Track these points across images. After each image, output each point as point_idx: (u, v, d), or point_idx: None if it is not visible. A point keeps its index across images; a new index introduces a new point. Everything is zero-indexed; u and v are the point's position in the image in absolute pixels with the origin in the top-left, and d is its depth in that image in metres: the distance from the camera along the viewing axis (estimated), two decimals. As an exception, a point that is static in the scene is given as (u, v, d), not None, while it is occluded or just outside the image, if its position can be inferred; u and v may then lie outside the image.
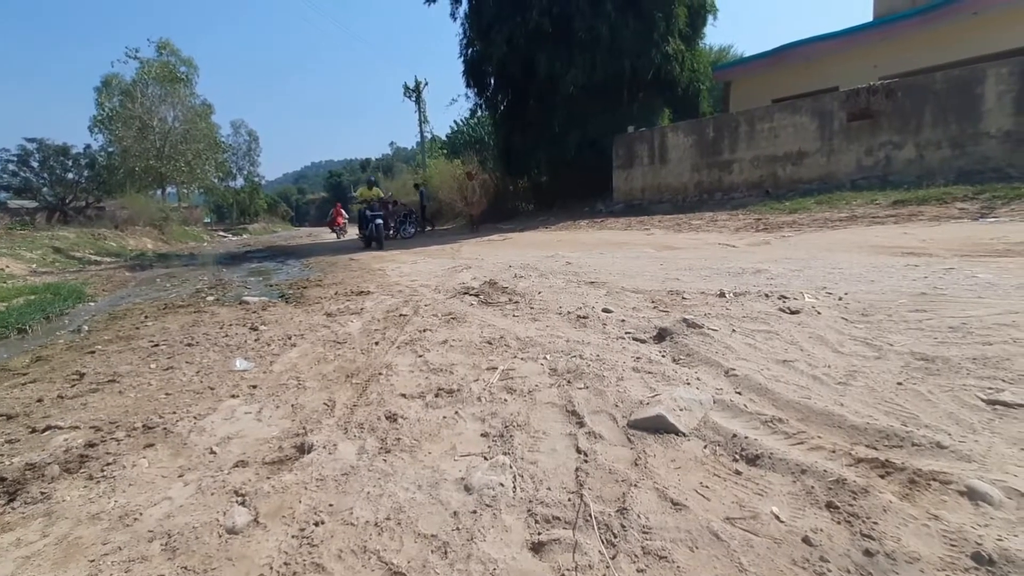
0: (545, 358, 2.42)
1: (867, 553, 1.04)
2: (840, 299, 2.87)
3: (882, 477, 1.28)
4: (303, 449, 1.73)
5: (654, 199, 13.34)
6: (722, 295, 3.23)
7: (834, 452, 1.40)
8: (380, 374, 2.41)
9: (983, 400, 1.57)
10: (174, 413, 2.14)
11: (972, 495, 1.17)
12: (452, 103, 42.14)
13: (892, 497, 1.19)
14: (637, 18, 14.25)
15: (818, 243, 5.56)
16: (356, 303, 4.32)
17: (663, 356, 2.28)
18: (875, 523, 1.11)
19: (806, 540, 1.09)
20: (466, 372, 2.36)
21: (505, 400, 2.00)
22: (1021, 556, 0.98)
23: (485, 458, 1.56)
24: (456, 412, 1.93)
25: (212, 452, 1.77)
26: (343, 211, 22.45)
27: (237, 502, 1.44)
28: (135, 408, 2.26)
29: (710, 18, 16.98)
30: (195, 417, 2.09)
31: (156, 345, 3.41)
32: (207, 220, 40.13)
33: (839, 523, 1.14)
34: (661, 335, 2.53)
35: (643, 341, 2.53)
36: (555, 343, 2.65)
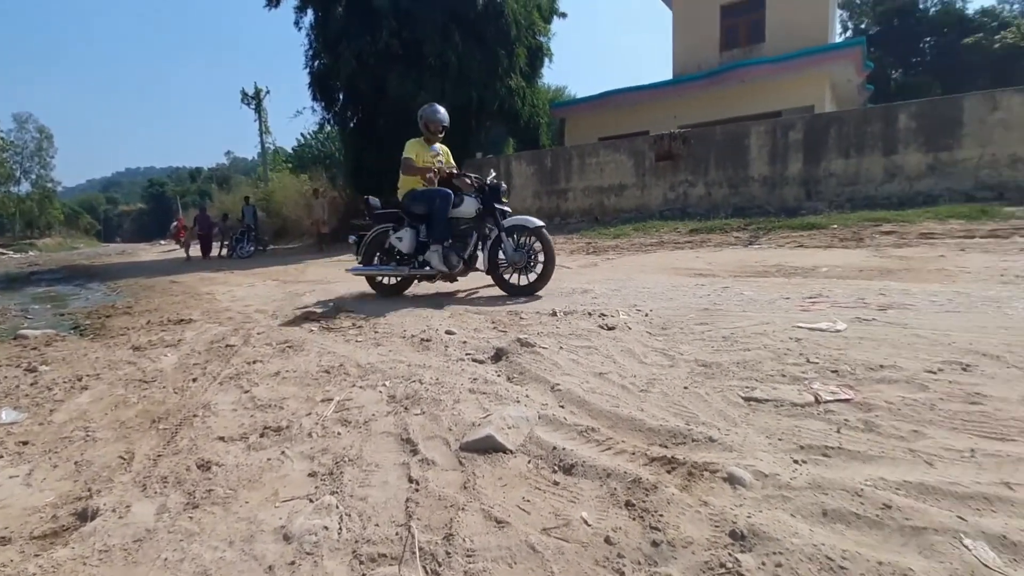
0: (385, 385, 2.34)
1: (654, 544, 1.17)
2: (646, 315, 3.26)
3: (669, 472, 1.46)
4: (85, 516, 1.43)
5: (501, 222, 13.90)
6: (554, 314, 3.47)
7: (634, 454, 1.56)
8: (195, 416, 2.11)
9: (742, 398, 1.89)
10: None
11: (731, 480, 1.39)
12: (297, 115, 39.34)
13: (675, 490, 1.36)
14: (483, 52, 14.89)
15: (634, 265, 6.29)
16: (173, 334, 3.75)
17: (499, 376, 2.36)
18: (661, 515, 1.26)
19: (607, 540, 1.20)
20: (298, 406, 2.18)
21: (339, 433, 1.88)
22: (764, 529, 1.18)
23: (311, 500, 1.45)
24: (283, 452, 1.76)
25: (-51, 535, 1.38)
26: (185, 224, 19.67)
27: (-21, 597, 1.13)
28: None
29: (547, 60, 18.43)
30: (-74, 492, 1.61)
31: None
32: (-25, 234, 31.93)
33: (634, 519, 1.27)
34: (498, 355, 2.61)
35: (481, 362, 2.59)
36: (397, 368, 2.59)
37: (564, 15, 18.55)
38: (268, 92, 28.40)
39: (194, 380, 2.63)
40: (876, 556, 1.08)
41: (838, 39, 19.78)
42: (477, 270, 4.70)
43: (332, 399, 2.23)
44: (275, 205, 22.80)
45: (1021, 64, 19.82)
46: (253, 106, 28.32)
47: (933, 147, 9.16)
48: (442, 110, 4.87)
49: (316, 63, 17.02)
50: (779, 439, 1.59)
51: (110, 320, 4.61)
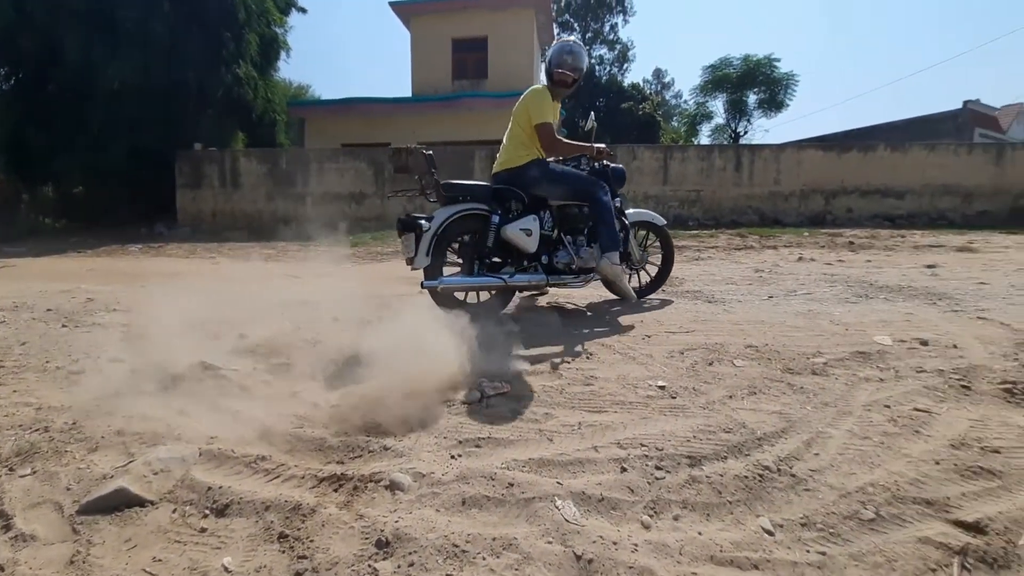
0: (-16, 441, 1.69)
1: (297, 575, 1.10)
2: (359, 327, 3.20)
3: (336, 491, 1.41)
4: None
5: (228, 224, 12.00)
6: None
7: (303, 478, 1.47)
8: None
9: (424, 402, 1.98)
10: None
11: (392, 487, 1.41)
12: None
13: (335, 509, 1.32)
14: (203, 31, 12.59)
15: (365, 275, 6.18)
16: None
17: (167, 409, 1.95)
18: (312, 541, 1.20)
19: (246, 584, 1.08)
20: None
21: None
22: (407, 531, 1.22)
23: None
24: None
25: None
26: None
27: None
28: None
29: (284, 53, 16.71)
30: None
31: None
32: None
33: (283, 552, 1.17)
34: (176, 382, 2.17)
35: (150, 393, 2.12)
36: (17, 414, 1.91)
37: (304, 10, 17.17)
38: None
39: None
40: (493, 532, 1.23)
41: (544, 88, 23.44)
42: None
43: None
44: None
45: (653, 128, 26.98)
46: None
47: (601, 182, 11.66)
48: (577, 48, 3.31)
49: (-57, -4, 11.79)
50: (444, 437, 1.71)
51: None
